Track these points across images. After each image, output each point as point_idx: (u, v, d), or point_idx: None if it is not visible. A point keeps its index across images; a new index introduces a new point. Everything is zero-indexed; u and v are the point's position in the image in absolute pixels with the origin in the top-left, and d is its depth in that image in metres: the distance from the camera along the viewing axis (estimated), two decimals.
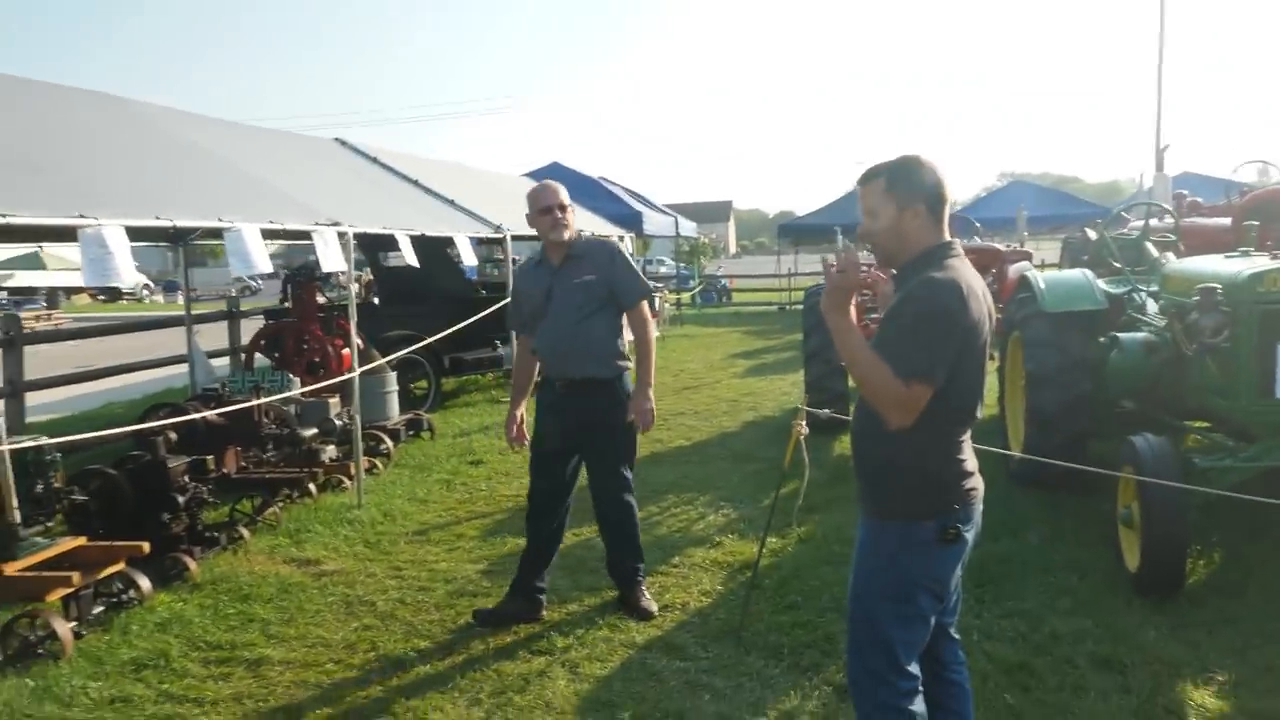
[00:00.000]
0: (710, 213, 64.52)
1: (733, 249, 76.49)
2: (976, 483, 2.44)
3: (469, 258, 8.84)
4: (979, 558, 4.68)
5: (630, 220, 17.05)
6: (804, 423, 4.03)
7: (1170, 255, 6.26)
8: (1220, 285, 4.55)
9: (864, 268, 2.49)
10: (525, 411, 4.34)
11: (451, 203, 9.91)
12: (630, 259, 4.21)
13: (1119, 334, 5.51)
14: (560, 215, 4.03)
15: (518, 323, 4.32)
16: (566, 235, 4.05)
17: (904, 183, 2.39)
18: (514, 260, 15.08)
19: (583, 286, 4.03)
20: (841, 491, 6.13)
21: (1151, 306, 5.77)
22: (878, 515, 2.43)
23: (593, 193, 18.16)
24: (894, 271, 2.52)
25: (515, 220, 10.62)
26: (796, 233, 25.89)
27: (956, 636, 2.66)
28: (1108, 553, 4.66)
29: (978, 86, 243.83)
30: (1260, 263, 4.63)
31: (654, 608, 4.33)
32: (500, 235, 9.67)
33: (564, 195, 4.11)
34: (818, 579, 4.64)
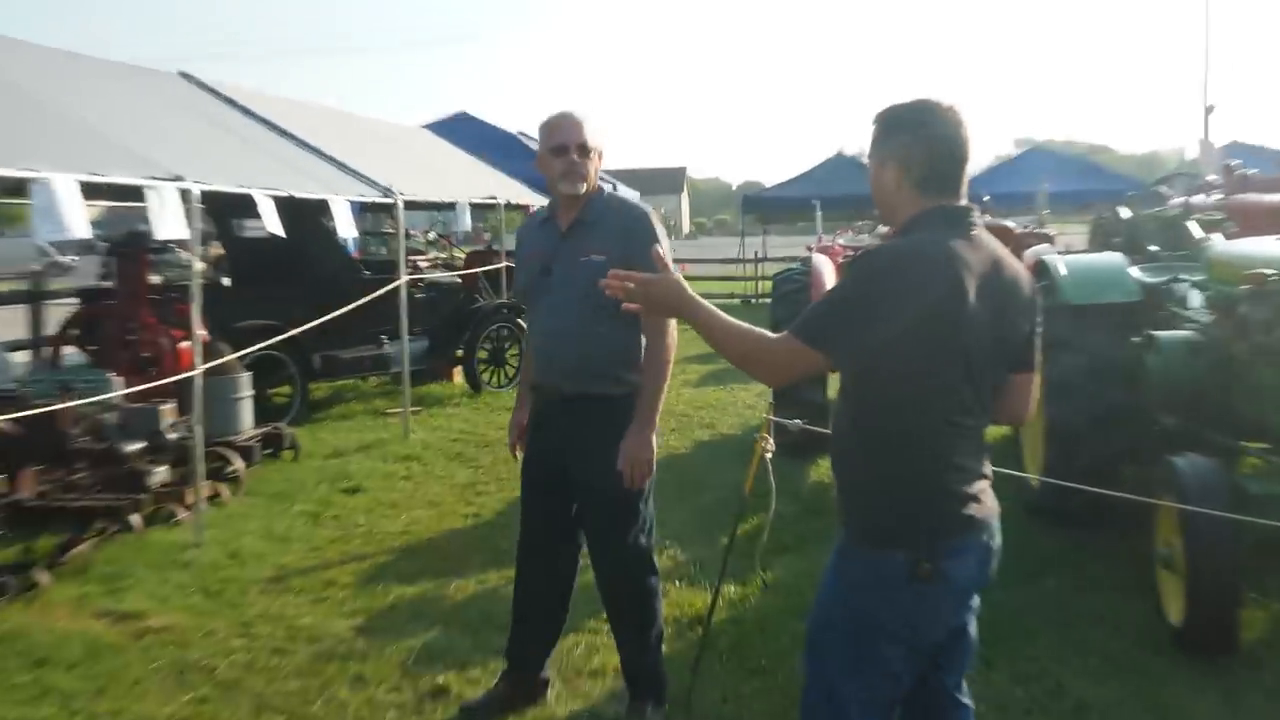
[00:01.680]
0: (659, 182, 65.08)
1: (686, 228, 77.19)
2: (977, 509, 2.44)
3: (348, 228, 8.66)
4: (985, 609, 4.70)
5: None
6: (770, 439, 3.99)
7: (1218, 237, 6.41)
8: (1277, 272, 4.65)
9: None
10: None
11: (328, 158, 9.74)
12: (657, 234, 3.68)
13: (1156, 332, 5.60)
14: (577, 160, 3.69)
15: (521, 294, 4.14)
16: (582, 188, 3.72)
17: (888, 132, 2.48)
18: (409, 233, 14.97)
19: (588, 269, 3.55)
20: (818, 526, 6.14)
21: (1195, 298, 5.87)
22: (850, 537, 2.49)
23: (509, 150, 18.29)
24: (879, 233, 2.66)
25: (410, 181, 10.49)
26: (765, 208, 26.19)
27: (967, 703, 2.65)
28: (1145, 602, 4.72)
29: (990, 35, 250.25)
30: None
31: None
32: (390, 200, 9.51)
33: (589, 132, 3.74)
34: (788, 635, 4.62)
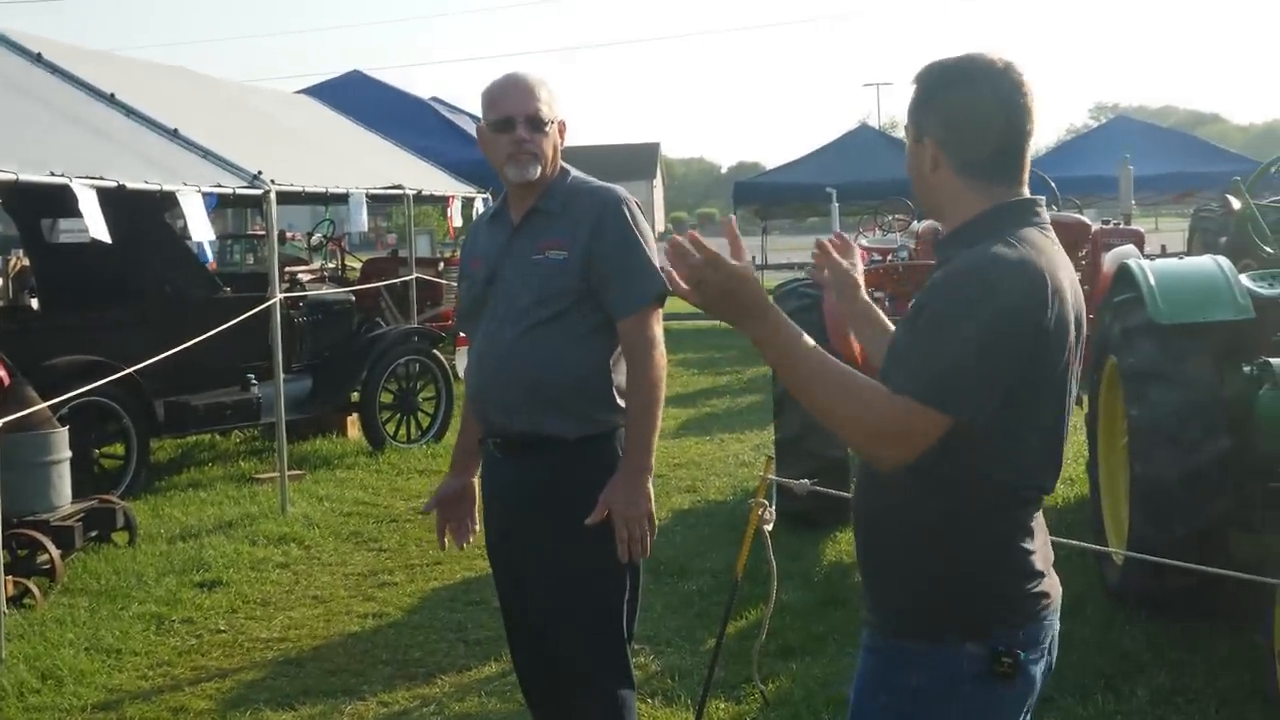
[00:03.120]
0: (624, 163, 65.13)
1: (661, 224, 77.33)
2: (1049, 586, 2.50)
3: (201, 230, 8.65)
4: None
5: (485, 170, 16.97)
6: (770, 506, 4.05)
7: None
8: None
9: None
10: (475, 482, 4.10)
11: (174, 134, 9.73)
12: (637, 225, 3.85)
13: (1275, 360, 5.70)
14: (527, 137, 3.75)
15: (463, 318, 4.26)
16: (534, 172, 3.78)
17: (922, 99, 2.52)
18: (284, 236, 14.94)
19: (542, 268, 3.75)
20: (836, 620, 6.19)
21: None
22: (891, 632, 2.49)
23: (422, 124, 18.12)
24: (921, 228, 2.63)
25: (286, 166, 10.47)
26: (764, 197, 26.28)
27: None
28: (1268, 714, 4.77)
29: None
30: None
31: None
32: (258, 191, 9.53)
33: (541, 101, 3.81)
34: None
